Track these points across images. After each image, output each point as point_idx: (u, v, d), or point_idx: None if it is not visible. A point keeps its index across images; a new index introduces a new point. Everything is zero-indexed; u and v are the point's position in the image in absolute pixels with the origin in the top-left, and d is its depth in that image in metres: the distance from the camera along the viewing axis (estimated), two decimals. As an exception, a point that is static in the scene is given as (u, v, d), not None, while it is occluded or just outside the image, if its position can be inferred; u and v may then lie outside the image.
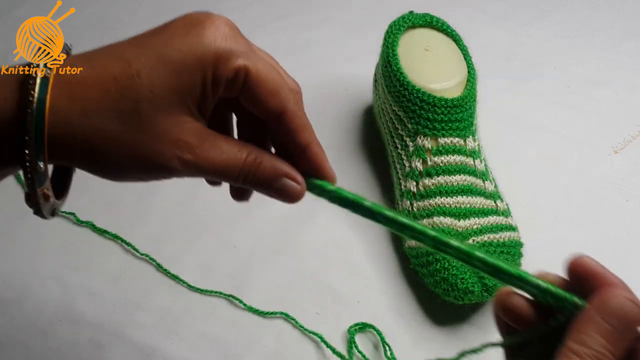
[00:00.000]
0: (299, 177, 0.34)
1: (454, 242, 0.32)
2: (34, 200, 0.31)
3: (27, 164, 0.29)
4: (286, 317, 0.53)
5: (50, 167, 0.31)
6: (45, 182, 0.30)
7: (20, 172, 0.31)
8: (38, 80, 0.29)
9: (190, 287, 0.55)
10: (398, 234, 0.33)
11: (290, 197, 0.34)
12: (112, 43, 0.32)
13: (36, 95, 0.28)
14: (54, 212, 0.33)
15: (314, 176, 0.35)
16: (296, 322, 0.52)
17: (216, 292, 0.54)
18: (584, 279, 0.30)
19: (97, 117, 0.30)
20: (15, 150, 0.29)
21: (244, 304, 0.54)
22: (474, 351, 0.33)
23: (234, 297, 0.54)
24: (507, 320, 0.32)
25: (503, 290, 0.32)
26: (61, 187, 0.35)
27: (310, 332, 0.52)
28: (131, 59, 0.30)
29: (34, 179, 0.30)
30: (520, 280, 0.31)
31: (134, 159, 0.31)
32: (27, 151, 0.29)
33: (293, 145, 0.35)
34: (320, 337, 0.51)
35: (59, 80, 0.29)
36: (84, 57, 0.31)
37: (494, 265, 0.31)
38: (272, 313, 0.53)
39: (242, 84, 0.32)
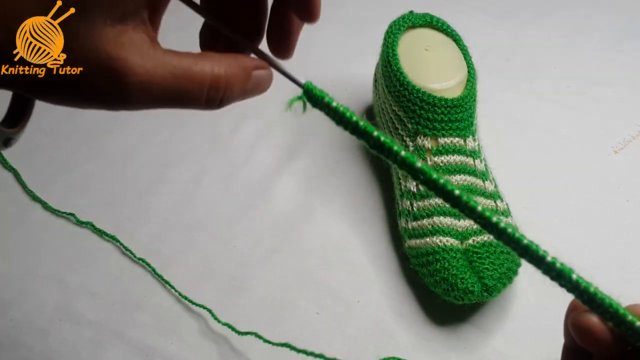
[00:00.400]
0: (264, 62, 0.31)
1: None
2: None
3: None
4: (256, 336, 0.50)
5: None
6: None
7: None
8: None
9: (181, 296, 0.54)
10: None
11: (262, 87, 0.31)
12: None
13: None
14: (7, 143, 0.30)
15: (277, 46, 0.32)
16: (265, 340, 0.50)
17: (199, 305, 0.53)
18: None
19: None
20: None
21: (219, 321, 0.52)
22: None
23: (212, 313, 0.53)
24: (578, 339, 0.29)
25: (577, 305, 0.29)
26: (19, 116, 0.31)
27: (277, 344, 0.50)
28: None
29: None
30: (609, 312, 0.27)
31: (70, 89, 0.27)
32: None
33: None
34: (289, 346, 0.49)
35: None
36: None
37: (584, 290, 0.28)
38: (244, 333, 0.51)
39: None
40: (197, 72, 0.28)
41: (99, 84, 0.26)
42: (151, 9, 0.27)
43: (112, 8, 0.25)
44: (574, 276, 0.28)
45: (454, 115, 0.55)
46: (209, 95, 0.28)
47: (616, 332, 0.28)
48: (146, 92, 0.27)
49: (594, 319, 0.28)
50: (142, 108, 0.28)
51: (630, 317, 0.27)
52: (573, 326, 0.28)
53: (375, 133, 0.29)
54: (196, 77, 0.28)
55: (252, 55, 0.32)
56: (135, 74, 0.26)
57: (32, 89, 0.27)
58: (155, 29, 0.28)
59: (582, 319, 0.28)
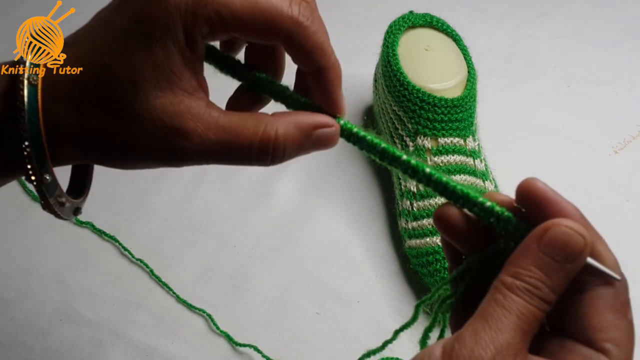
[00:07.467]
0: (329, 119, 0.31)
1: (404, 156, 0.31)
2: (50, 209, 0.30)
3: (33, 177, 0.28)
4: (255, 349, 0.51)
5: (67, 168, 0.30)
6: (56, 191, 0.29)
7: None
8: (25, 92, 0.27)
9: (179, 299, 0.54)
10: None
11: (327, 144, 0.32)
12: (85, 26, 0.29)
13: (26, 107, 0.27)
14: (76, 212, 0.32)
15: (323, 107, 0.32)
16: (263, 355, 0.51)
17: (198, 309, 0.53)
18: (534, 206, 0.27)
19: (86, 116, 0.28)
20: (15, 163, 0.28)
21: (219, 329, 0.52)
22: (428, 298, 0.31)
23: (212, 318, 0.53)
24: (444, 235, 0.30)
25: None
26: (81, 184, 0.33)
27: None
28: (102, 44, 0.28)
29: (43, 191, 0.28)
30: (462, 197, 0.29)
31: (135, 156, 0.29)
32: (29, 166, 0.28)
33: (305, 68, 0.32)
34: None
35: (42, 85, 0.28)
36: None
37: (437, 181, 0.30)
38: (243, 345, 0.51)
39: (225, 26, 0.28)
40: (247, 131, 0.29)
41: (161, 149, 0.28)
42: (196, 76, 0.29)
43: (162, 81, 0.28)
44: (427, 170, 0.30)
45: (454, 115, 0.55)
46: (259, 152, 0.30)
47: (474, 219, 0.29)
48: (201, 152, 0.29)
49: (449, 207, 0.30)
50: (198, 164, 0.30)
51: (480, 199, 0.29)
52: (434, 219, 0.30)
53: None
54: (246, 136, 0.29)
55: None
56: (192, 137, 0.28)
57: (103, 160, 0.30)
58: (205, 91, 0.30)
59: (439, 209, 0.30)
